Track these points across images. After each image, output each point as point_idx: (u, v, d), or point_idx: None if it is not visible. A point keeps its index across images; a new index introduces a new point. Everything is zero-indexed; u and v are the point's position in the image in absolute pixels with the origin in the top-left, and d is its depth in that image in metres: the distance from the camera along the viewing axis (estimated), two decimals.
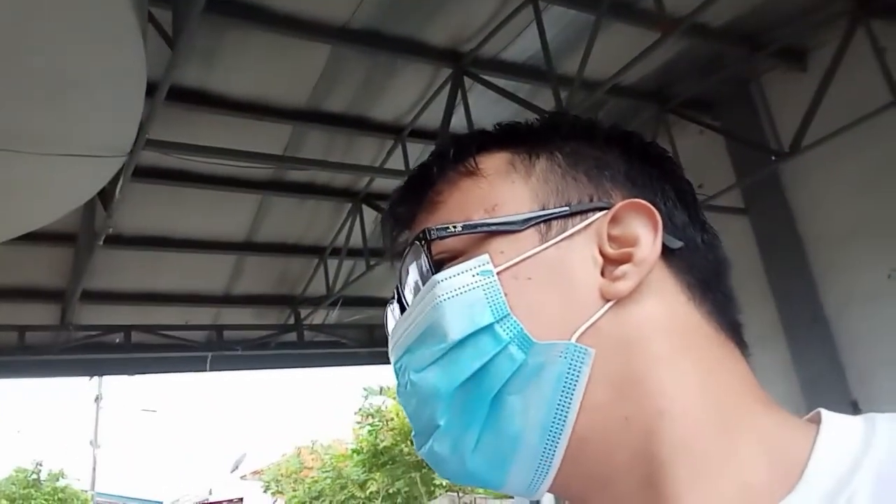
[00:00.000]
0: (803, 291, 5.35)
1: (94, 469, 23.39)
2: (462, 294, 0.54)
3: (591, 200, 0.57)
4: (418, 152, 5.62)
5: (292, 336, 7.72)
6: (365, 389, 16.92)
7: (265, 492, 20.32)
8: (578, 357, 0.51)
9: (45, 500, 19.47)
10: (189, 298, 7.13)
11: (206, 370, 7.37)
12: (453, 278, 0.55)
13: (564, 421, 0.51)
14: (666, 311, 0.54)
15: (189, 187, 5.57)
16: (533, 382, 0.52)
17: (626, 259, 0.54)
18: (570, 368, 0.51)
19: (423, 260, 0.57)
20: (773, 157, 5.19)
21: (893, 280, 4.90)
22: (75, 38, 2.82)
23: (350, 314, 7.80)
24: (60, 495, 19.88)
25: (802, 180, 5.43)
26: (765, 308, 5.39)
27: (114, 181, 4.07)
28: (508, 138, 0.62)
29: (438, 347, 0.54)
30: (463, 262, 0.55)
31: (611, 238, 0.55)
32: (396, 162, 5.48)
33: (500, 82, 4.94)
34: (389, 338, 0.62)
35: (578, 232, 0.55)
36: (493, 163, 0.60)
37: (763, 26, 5.05)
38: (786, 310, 5.44)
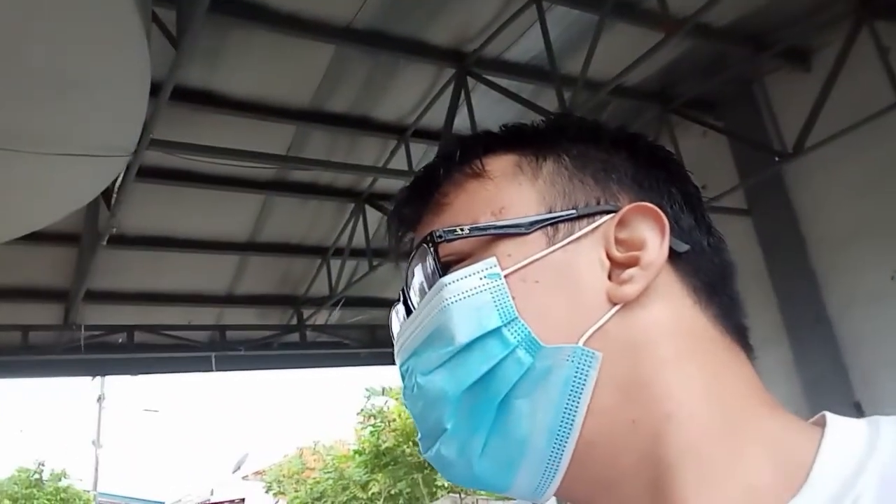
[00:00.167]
0: (806, 292, 5.34)
1: (96, 469, 23.43)
2: (469, 297, 0.54)
3: (598, 203, 0.57)
4: (421, 152, 5.62)
5: (295, 336, 7.72)
6: (367, 390, 16.94)
7: (267, 492, 20.33)
8: (586, 361, 0.51)
9: (48, 499, 19.50)
10: (192, 298, 7.13)
11: (209, 370, 7.38)
12: (461, 281, 0.55)
13: (572, 425, 0.51)
14: (672, 314, 0.54)
15: (192, 187, 5.57)
16: (540, 386, 0.52)
17: (633, 262, 0.54)
18: (577, 372, 0.51)
19: (430, 262, 0.57)
20: (777, 158, 5.18)
21: None
22: (79, 38, 2.82)
23: (353, 315, 7.81)
24: (63, 495, 19.92)
25: (806, 181, 5.42)
26: (767, 309, 5.39)
27: (117, 181, 4.07)
28: (515, 140, 0.62)
29: (445, 350, 0.54)
30: (470, 264, 0.55)
31: (618, 241, 0.55)
32: (399, 162, 5.48)
33: (504, 82, 4.94)
34: (395, 340, 0.62)
35: (585, 235, 0.55)
36: (500, 165, 0.60)
37: (767, 27, 5.05)
38: (788, 311, 5.43)
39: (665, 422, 0.51)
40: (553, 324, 0.53)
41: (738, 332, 0.57)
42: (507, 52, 4.91)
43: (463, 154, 0.61)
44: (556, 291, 0.54)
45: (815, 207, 5.39)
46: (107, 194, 4.47)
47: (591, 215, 0.56)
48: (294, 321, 7.69)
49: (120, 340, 6.91)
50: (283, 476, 19.92)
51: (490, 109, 5.18)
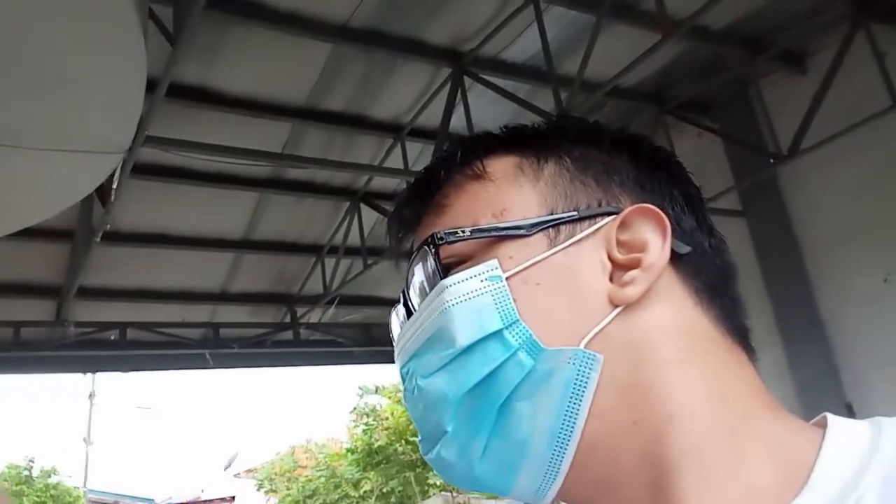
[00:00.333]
0: (800, 294, 5.37)
1: (86, 466, 23.33)
2: (471, 299, 0.54)
3: (600, 205, 0.57)
4: (417, 151, 5.62)
5: (288, 334, 7.71)
6: (360, 388, 16.91)
7: (258, 490, 20.28)
8: (587, 363, 0.51)
9: (38, 496, 19.40)
10: (186, 296, 7.12)
11: (202, 367, 7.36)
12: (462, 283, 0.54)
13: (573, 427, 0.51)
14: (674, 316, 0.54)
15: (187, 184, 5.56)
16: (541, 389, 0.52)
17: (634, 264, 0.54)
18: (578, 374, 0.51)
19: (431, 264, 0.57)
20: (772, 160, 5.20)
21: (889, 284, 4.93)
22: (76, 34, 2.81)
23: (347, 313, 7.80)
24: (53, 492, 19.81)
25: (800, 183, 5.44)
26: (761, 310, 5.41)
27: (112, 177, 4.05)
28: (516, 141, 0.62)
29: (446, 353, 0.54)
30: (471, 266, 0.55)
31: (619, 243, 0.55)
32: (395, 161, 5.48)
33: (500, 82, 4.94)
34: (395, 342, 0.62)
35: (587, 237, 0.55)
36: (501, 166, 0.60)
37: (763, 29, 5.06)
38: (782, 312, 5.45)
39: (667, 423, 0.51)
40: (554, 326, 0.53)
41: (739, 333, 0.57)
42: (504, 52, 4.91)
43: (464, 155, 0.61)
44: (558, 293, 0.54)
45: (809, 210, 5.42)
46: (101, 190, 4.45)
47: (592, 217, 0.56)
48: (288, 319, 7.68)
49: (112, 337, 6.89)
50: (275, 474, 19.87)
51: (486, 109, 5.18)
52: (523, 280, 0.54)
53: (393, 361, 0.61)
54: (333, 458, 17.38)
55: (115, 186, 3.91)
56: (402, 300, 0.61)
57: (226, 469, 25.10)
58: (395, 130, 5.49)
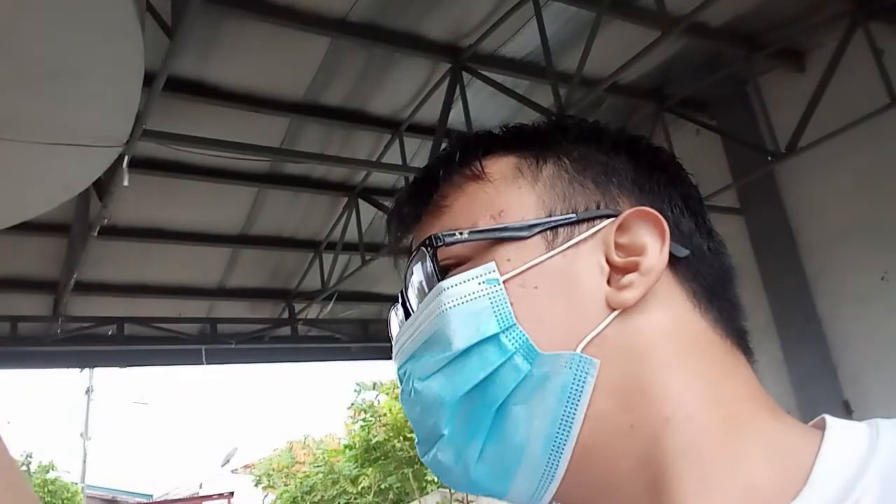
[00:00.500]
0: (797, 291, 5.37)
1: (84, 461, 23.33)
2: (468, 302, 0.54)
3: (598, 208, 0.56)
4: (416, 147, 5.62)
5: (286, 330, 7.71)
6: (358, 385, 16.94)
7: (256, 486, 20.32)
8: (583, 367, 0.51)
9: (35, 491, 19.39)
10: (183, 291, 7.11)
11: (199, 363, 7.35)
12: (459, 286, 0.54)
13: (569, 431, 0.51)
14: (671, 319, 0.54)
15: (185, 179, 5.55)
16: (537, 393, 0.52)
17: (632, 268, 0.54)
18: (574, 379, 0.51)
19: (429, 265, 0.57)
20: (770, 158, 5.20)
21: (887, 282, 4.93)
22: (73, 27, 2.80)
23: (345, 309, 7.80)
24: (50, 487, 19.81)
25: (798, 181, 5.45)
26: (758, 308, 5.41)
27: (109, 171, 4.05)
28: (515, 141, 0.61)
29: (443, 356, 0.54)
30: (469, 269, 0.55)
31: (618, 246, 0.55)
32: (394, 156, 5.47)
33: (499, 78, 4.94)
34: (394, 342, 0.62)
35: (585, 240, 0.55)
36: (500, 167, 0.60)
37: (762, 27, 5.06)
38: (779, 309, 5.46)
39: (664, 425, 0.51)
40: (551, 330, 0.52)
41: (738, 335, 0.57)
42: (503, 48, 4.90)
43: (462, 156, 0.61)
44: (555, 297, 0.53)
45: (807, 207, 5.42)
46: (98, 185, 4.44)
47: (590, 220, 0.56)
48: (285, 315, 7.67)
49: (110, 332, 6.87)
50: (273, 470, 19.90)
51: (485, 105, 5.18)
52: (521, 283, 0.54)
53: (391, 358, 0.61)
54: (331, 455, 17.40)
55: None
56: (399, 300, 0.61)
57: (224, 465, 25.14)
58: (393, 126, 5.48)
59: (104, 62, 3.04)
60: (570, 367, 0.51)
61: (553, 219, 0.55)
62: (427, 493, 15.04)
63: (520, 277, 0.54)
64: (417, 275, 0.58)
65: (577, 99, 4.41)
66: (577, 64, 4.30)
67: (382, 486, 15.28)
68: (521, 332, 0.52)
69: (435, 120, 5.02)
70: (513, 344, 0.52)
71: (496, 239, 0.55)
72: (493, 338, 0.52)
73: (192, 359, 7.42)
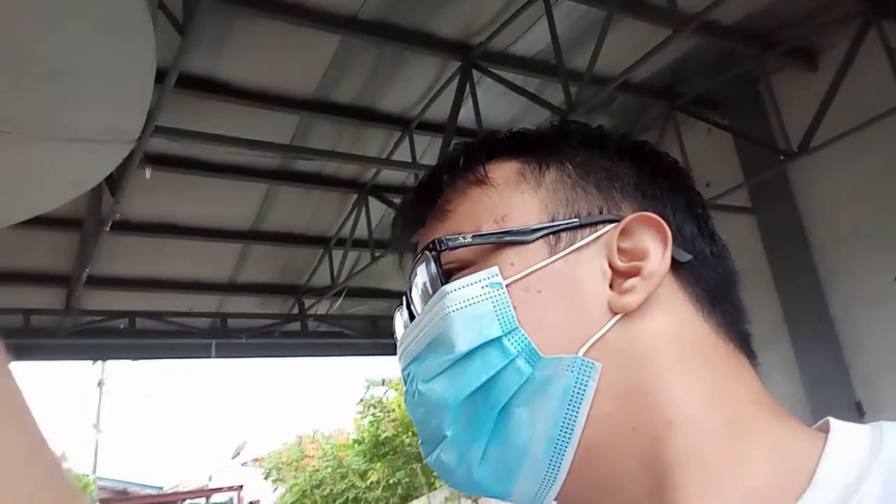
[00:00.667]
0: (809, 292, 5.34)
1: (95, 453, 23.54)
2: (471, 306, 0.54)
3: (601, 212, 0.57)
4: (425, 145, 5.62)
5: (296, 325, 7.74)
6: (367, 380, 16.99)
7: (266, 479, 20.43)
8: (585, 371, 0.52)
9: None
10: (194, 286, 7.15)
11: (209, 357, 7.40)
12: (462, 289, 0.55)
13: (571, 433, 0.52)
14: (674, 323, 0.54)
15: (196, 175, 5.57)
16: (540, 396, 0.52)
17: (634, 272, 0.54)
18: (576, 382, 0.52)
19: (433, 269, 0.57)
20: (782, 157, 5.17)
21: None
22: (84, 24, 2.82)
23: (354, 305, 7.82)
24: None
25: (810, 181, 5.41)
26: (770, 307, 5.39)
27: (121, 167, 4.07)
28: (518, 146, 0.62)
29: (446, 358, 0.55)
30: (472, 272, 0.56)
31: (620, 251, 0.55)
32: (403, 154, 5.47)
33: (509, 76, 4.93)
34: (398, 344, 0.63)
35: (588, 244, 0.56)
36: (503, 172, 0.60)
37: (774, 25, 5.03)
38: (791, 309, 5.43)
39: (666, 428, 0.51)
40: (553, 333, 0.53)
41: (741, 339, 0.57)
42: (514, 46, 4.89)
43: (466, 160, 0.61)
44: (558, 301, 0.54)
45: (819, 207, 5.38)
46: (110, 180, 4.47)
47: (593, 224, 0.56)
48: (295, 310, 7.70)
49: (121, 326, 6.93)
50: (282, 464, 20.01)
51: (495, 103, 5.17)
52: (524, 287, 0.54)
53: None
54: (340, 449, 17.48)
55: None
56: (404, 303, 0.62)
57: (233, 458, 25.30)
58: (403, 123, 5.48)
59: (116, 59, 3.05)
60: (573, 371, 0.52)
61: (556, 223, 0.56)
62: (436, 489, 15.07)
63: (523, 281, 0.54)
64: (421, 278, 0.59)
65: (588, 97, 4.39)
66: (588, 62, 4.29)
67: (391, 481, 15.34)
68: (523, 335, 0.53)
69: (445, 118, 5.02)
70: (515, 347, 0.53)
71: (499, 243, 0.56)
72: (496, 341, 0.53)
73: (203, 353, 7.47)
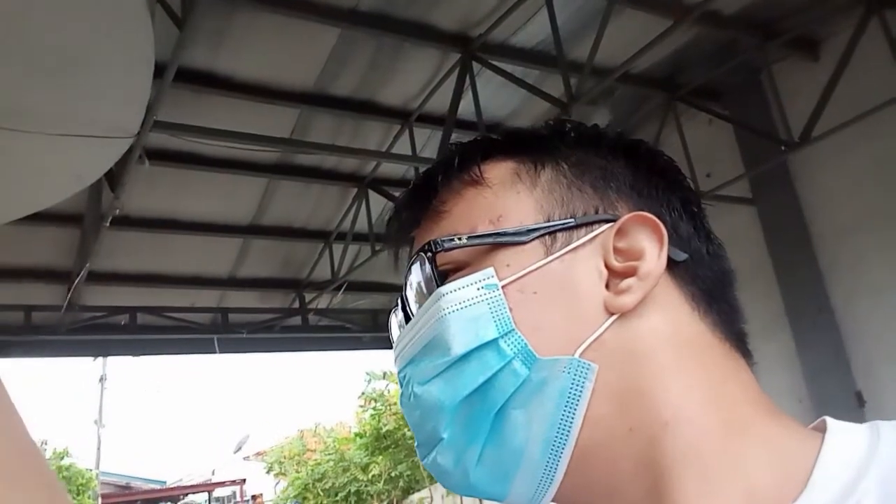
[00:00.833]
0: (810, 282, 5.34)
1: (98, 448, 23.61)
2: (466, 308, 0.54)
3: (597, 212, 0.57)
4: (425, 137, 5.61)
5: (297, 320, 7.74)
6: (368, 374, 17.03)
7: (268, 473, 20.52)
8: (582, 372, 0.51)
9: None
10: (195, 281, 7.15)
11: (211, 352, 7.40)
12: (458, 291, 0.55)
13: (567, 435, 0.52)
14: (670, 322, 0.54)
15: (196, 169, 5.57)
16: (536, 397, 0.52)
17: (630, 272, 0.54)
18: (573, 383, 0.51)
19: (428, 271, 0.57)
20: (783, 148, 5.15)
21: None
22: (83, 18, 2.81)
23: (354, 299, 7.83)
24: (65, 474, 20.06)
25: (811, 171, 5.40)
26: (770, 298, 5.39)
27: (121, 162, 4.07)
28: (513, 146, 0.62)
29: (442, 360, 0.54)
30: (468, 274, 0.55)
31: (616, 251, 0.55)
32: (403, 147, 5.46)
33: (509, 68, 4.91)
34: (394, 346, 0.62)
35: (583, 245, 0.55)
36: (498, 172, 0.60)
37: (776, 15, 5.01)
38: (792, 300, 5.43)
39: (663, 429, 0.51)
40: (550, 335, 0.53)
41: (737, 338, 0.57)
42: (514, 38, 4.87)
43: (461, 161, 0.61)
44: (554, 302, 0.54)
45: (820, 197, 5.37)
46: (110, 175, 4.46)
47: (589, 224, 0.56)
48: (296, 305, 7.71)
49: (122, 322, 6.93)
50: (284, 457, 20.08)
51: (495, 95, 5.16)
52: (520, 289, 0.54)
53: None
54: (342, 443, 17.54)
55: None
56: (399, 304, 0.62)
57: (236, 452, 25.39)
58: (403, 116, 5.47)
59: (114, 53, 3.05)
60: (569, 372, 0.51)
61: (551, 224, 0.56)
62: (437, 482, 15.13)
63: (518, 282, 0.54)
64: (417, 279, 0.59)
65: (588, 89, 4.38)
66: (588, 53, 4.27)
67: (393, 474, 15.40)
68: (519, 337, 0.53)
69: (445, 110, 5.01)
70: (511, 349, 0.52)
71: (495, 244, 0.55)
72: (492, 343, 0.53)
73: (205, 348, 7.47)
